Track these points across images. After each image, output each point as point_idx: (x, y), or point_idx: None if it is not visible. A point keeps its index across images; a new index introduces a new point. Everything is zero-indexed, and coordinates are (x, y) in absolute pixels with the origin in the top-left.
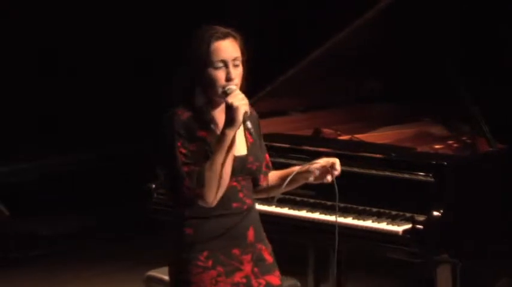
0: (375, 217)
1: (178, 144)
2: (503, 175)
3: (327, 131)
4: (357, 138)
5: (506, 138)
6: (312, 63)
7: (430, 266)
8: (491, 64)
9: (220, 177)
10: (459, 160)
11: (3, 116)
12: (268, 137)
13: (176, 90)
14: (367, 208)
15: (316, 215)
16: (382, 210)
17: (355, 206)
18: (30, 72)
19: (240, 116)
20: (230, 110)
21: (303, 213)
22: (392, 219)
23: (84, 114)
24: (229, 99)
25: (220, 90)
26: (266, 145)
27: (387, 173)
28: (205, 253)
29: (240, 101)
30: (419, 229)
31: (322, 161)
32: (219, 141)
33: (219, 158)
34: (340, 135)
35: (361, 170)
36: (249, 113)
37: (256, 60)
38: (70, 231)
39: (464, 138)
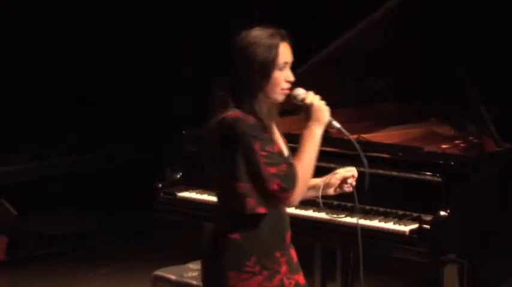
0: (382, 217)
1: (257, 147)
2: (510, 174)
3: (333, 131)
4: (363, 138)
5: None
6: (319, 63)
7: (437, 266)
8: (499, 63)
9: (309, 176)
10: (466, 159)
11: (7, 116)
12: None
13: (223, 96)
14: (374, 208)
15: (323, 215)
16: (389, 210)
17: (362, 205)
18: (32, 72)
19: (327, 115)
20: (316, 111)
21: (310, 213)
22: (399, 219)
23: (86, 114)
24: (314, 101)
25: (281, 92)
26: None
27: (394, 173)
28: (253, 259)
29: (321, 102)
30: (426, 228)
31: (342, 171)
32: (310, 140)
33: (310, 157)
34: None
35: (368, 170)
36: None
37: None
38: (75, 231)
39: (471, 138)
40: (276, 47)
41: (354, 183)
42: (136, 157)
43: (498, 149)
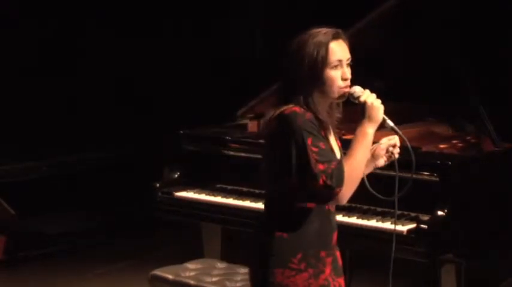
0: (380, 217)
1: (309, 142)
2: (508, 174)
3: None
4: None
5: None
6: None
7: (434, 265)
8: (496, 63)
9: (359, 175)
10: (464, 159)
11: (6, 115)
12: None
13: (286, 90)
14: (372, 208)
15: None
16: (386, 210)
17: (359, 205)
18: (36, 72)
19: (381, 114)
20: (369, 109)
21: None
22: (397, 219)
23: (89, 114)
24: (368, 99)
25: (337, 90)
26: None
27: (392, 173)
28: (299, 256)
29: (378, 101)
30: (423, 228)
31: (385, 141)
32: (361, 139)
33: (360, 156)
34: (344, 135)
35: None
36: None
37: (262, 60)
38: (74, 230)
39: (468, 138)
40: (325, 46)
41: (398, 150)
42: (134, 156)
43: (496, 148)
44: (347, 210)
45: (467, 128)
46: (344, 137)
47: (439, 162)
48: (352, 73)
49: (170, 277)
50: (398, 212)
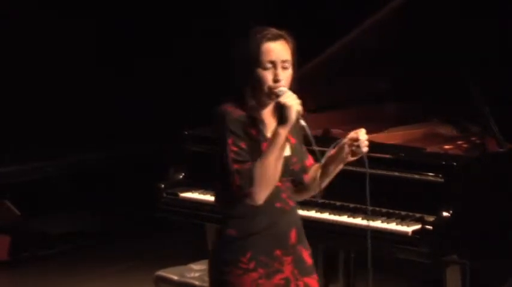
0: (385, 218)
1: (229, 141)
2: None
3: (336, 132)
4: None
5: None
6: (321, 64)
7: (439, 266)
8: (501, 64)
9: (271, 176)
10: (468, 160)
11: (9, 116)
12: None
13: (230, 88)
14: (377, 209)
15: (326, 216)
16: (391, 210)
17: (364, 206)
18: (42, 72)
19: (293, 115)
20: (283, 109)
21: (312, 213)
22: (402, 219)
23: (95, 114)
24: (282, 99)
25: (267, 90)
26: None
27: (396, 174)
28: (248, 255)
29: (292, 101)
30: (428, 229)
31: (349, 136)
32: (272, 139)
33: (271, 157)
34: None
35: (371, 171)
36: (301, 112)
37: None
38: (78, 231)
39: (473, 138)
40: (258, 46)
41: (365, 144)
42: (138, 156)
43: (500, 149)
44: (352, 211)
45: (472, 128)
46: None
47: (444, 163)
48: (358, 74)
49: (175, 277)
50: (403, 213)
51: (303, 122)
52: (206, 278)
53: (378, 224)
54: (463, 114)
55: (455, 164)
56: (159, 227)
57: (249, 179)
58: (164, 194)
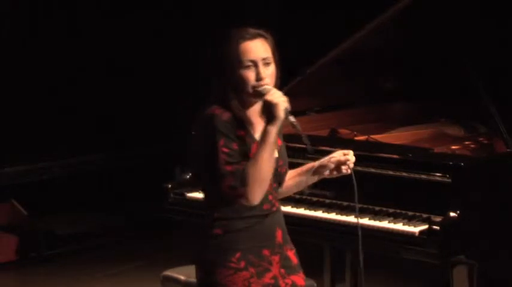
0: (392, 218)
1: (221, 143)
2: None
3: (343, 132)
4: (373, 138)
5: None
6: (329, 64)
7: (446, 267)
8: (509, 63)
9: (264, 175)
10: (476, 160)
11: (17, 116)
12: (285, 138)
13: (212, 91)
14: (384, 209)
15: (333, 216)
16: (398, 211)
17: (371, 206)
18: (47, 72)
19: (281, 112)
20: (270, 108)
21: (319, 213)
22: (409, 220)
23: (96, 114)
24: (268, 97)
25: (251, 90)
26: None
27: (404, 174)
28: (237, 255)
29: (279, 98)
30: (435, 229)
31: (337, 155)
32: (263, 139)
33: (263, 156)
34: (356, 135)
35: (378, 171)
36: (289, 108)
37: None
38: (85, 231)
39: (481, 139)
40: (236, 46)
41: (351, 165)
42: (146, 157)
43: (508, 149)
44: (359, 211)
45: (480, 129)
46: (356, 138)
47: (451, 163)
48: (365, 73)
49: (182, 277)
50: (410, 213)
51: (292, 118)
52: None
53: (384, 224)
54: (470, 115)
55: (462, 164)
56: (166, 227)
57: (243, 180)
58: (171, 194)
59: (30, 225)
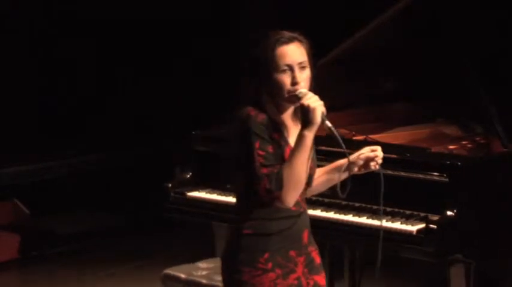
0: (389, 217)
1: (256, 145)
2: None
3: (341, 132)
4: (371, 138)
5: None
6: (327, 64)
7: (443, 266)
8: (506, 64)
9: (299, 178)
10: (473, 160)
11: (19, 116)
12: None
13: (245, 93)
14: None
15: (331, 215)
16: (396, 210)
17: (369, 205)
18: (51, 72)
19: (318, 117)
20: (307, 112)
21: (318, 212)
22: (407, 219)
23: (103, 114)
24: (305, 102)
25: (286, 94)
26: None
27: (402, 173)
28: (266, 255)
29: (315, 102)
30: (433, 228)
31: (365, 151)
32: (299, 142)
33: (299, 160)
34: (354, 135)
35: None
36: (325, 113)
37: None
38: (86, 230)
39: (478, 139)
40: (272, 50)
41: (379, 161)
42: (147, 156)
43: (505, 149)
44: (357, 210)
45: (477, 129)
46: (355, 138)
47: (448, 162)
48: (364, 74)
49: (182, 276)
50: (408, 212)
51: (328, 123)
52: (213, 277)
53: (382, 223)
54: (467, 115)
55: (460, 164)
56: (167, 226)
57: (278, 183)
58: (172, 194)
59: (32, 224)
